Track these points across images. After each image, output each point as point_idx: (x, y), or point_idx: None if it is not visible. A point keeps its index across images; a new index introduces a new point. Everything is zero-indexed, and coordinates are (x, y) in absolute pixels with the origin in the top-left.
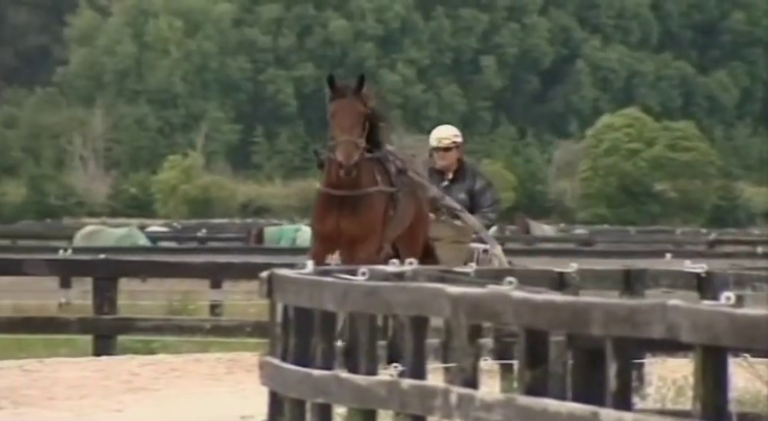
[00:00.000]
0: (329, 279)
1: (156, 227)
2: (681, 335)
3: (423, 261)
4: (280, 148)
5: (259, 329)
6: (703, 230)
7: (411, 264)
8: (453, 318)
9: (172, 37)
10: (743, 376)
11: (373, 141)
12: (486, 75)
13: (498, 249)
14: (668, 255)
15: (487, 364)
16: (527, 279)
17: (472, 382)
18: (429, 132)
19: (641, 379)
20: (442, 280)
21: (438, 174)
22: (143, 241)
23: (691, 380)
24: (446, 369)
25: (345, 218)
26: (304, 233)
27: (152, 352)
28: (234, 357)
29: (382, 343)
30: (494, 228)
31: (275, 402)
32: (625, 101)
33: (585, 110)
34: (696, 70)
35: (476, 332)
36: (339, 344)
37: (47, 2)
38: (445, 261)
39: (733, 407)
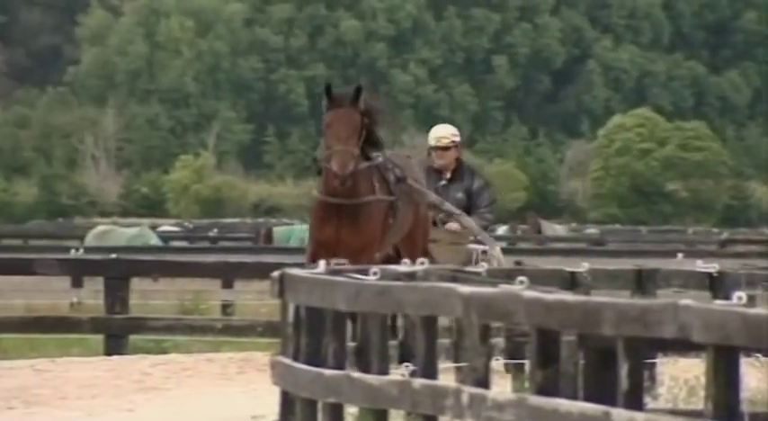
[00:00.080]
0: (341, 278)
1: (167, 226)
2: (692, 335)
3: None
4: (291, 148)
5: (270, 329)
6: (715, 230)
7: (422, 264)
8: (465, 318)
9: (183, 37)
10: (755, 376)
11: (372, 145)
12: (497, 75)
13: (497, 250)
14: (680, 255)
15: (498, 364)
16: (538, 278)
17: (484, 382)
18: None
19: (653, 379)
20: (454, 279)
21: (436, 173)
22: (154, 241)
23: (702, 379)
24: (457, 368)
25: (345, 227)
26: None
27: (163, 351)
28: (245, 357)
29: (393, 342)
30: (504, 227)
31: (287, 402)
32: (637, 101)
33: (597, 110)
34: (708, 70)
35: (487, 331)
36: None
37: (59, 2)
38: (442, 263)
39: (745, 407)
